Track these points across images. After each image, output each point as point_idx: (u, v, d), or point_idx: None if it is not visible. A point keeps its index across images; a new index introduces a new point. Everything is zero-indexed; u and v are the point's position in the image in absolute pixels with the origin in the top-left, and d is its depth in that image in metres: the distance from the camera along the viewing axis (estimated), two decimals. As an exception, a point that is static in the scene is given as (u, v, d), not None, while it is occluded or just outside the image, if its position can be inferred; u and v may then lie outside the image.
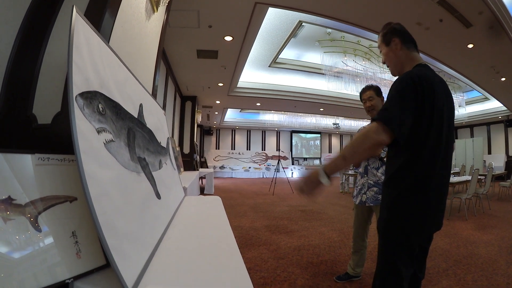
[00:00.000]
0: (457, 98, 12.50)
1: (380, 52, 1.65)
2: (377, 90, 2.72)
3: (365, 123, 18.82)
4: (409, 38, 1.58)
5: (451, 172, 9.58)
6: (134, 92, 1.60)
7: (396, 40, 1.55)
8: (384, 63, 1.65)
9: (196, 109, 11.37)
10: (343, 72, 9.52)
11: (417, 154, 1.34)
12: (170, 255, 1.19)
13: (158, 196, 1.58)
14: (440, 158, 1.38)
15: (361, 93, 2.80)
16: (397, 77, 1.47)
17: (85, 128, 0.88)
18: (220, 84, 9.81)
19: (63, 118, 1.35)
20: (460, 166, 12.30)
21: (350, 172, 10.14)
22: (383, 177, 2.53)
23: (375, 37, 7.15)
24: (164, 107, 6.97)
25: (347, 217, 6.01)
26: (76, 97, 0.85)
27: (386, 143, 1.28)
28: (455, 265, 3.28)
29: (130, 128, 1.36)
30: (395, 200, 1.41)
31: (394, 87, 1.36)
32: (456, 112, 13.81)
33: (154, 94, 2.72)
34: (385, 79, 10.48)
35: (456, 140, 16.41)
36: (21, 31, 1.45)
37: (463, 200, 5.96)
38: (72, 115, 0.81)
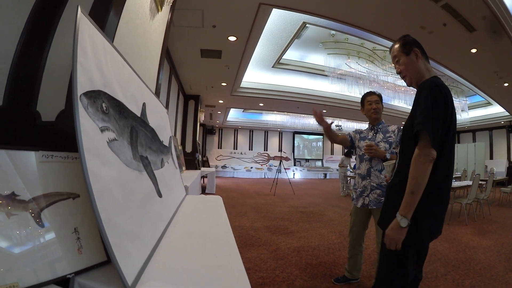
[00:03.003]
0: (460, 102, 12.47)
1: (397, 61, 1.66)
2: (380, 96, 2.77)
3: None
4: (424, 51, 1.62)
5: (453, 177, 9.60)
6: (138, 91, 1.62)
7: (416, 51, 1.58)
8: (399, 73, 1.67)
9: (199, 108, 11.38)
10: (346, 74, 9.51)
11: (436, 160, 1.37)
12: (170, 252, 1.21)
13: (160, 194, 1.60)
14: (453, 165, 1.48)
15: (366, 95, 2.82)
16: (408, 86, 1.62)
17: (89, 127, 0.90)
18: (224, 84, 9.83)
19: (67, 115, 1.37)
20: (462, 170, 12.26)
21: (351, 174, 10.13)
22: None
23: (379, 40, 7.27)
24: (167, 106, 6.98)
25: (347, 219, 5.97)
26: (80, 96, 0.87)
27: (435, 154, 1.34)
28: (454, 270, 3.28)
29: (133, 127, 1.38)
30: None
31: (428, 95, 1.39)
32: (458, 117, 13.78)
33: (157, 93, 2.74)
34: (388, 81, 10.46)
35: (458, 145, 16.33)
36: (25, 29, 1.47)
37: (463, 205, 5.94)
38: (76, 114, 0.83)
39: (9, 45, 1.42)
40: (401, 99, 11.53)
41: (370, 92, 2.84)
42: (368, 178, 2.71)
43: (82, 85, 0.90)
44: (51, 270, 0.85)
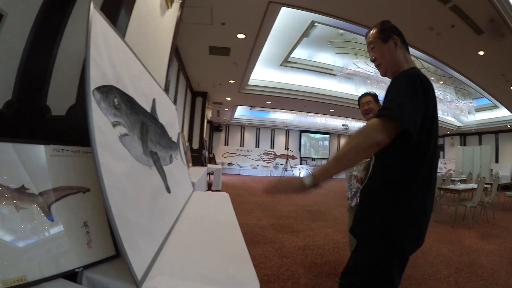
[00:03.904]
0: (466, 104, 12.37)
1: (372, 48, 1.50)
2: (375, 96, 2.77)
3: None
4: (405, 40, 1.48)
5: (458, 179, 9.40)
6: (148, 87, 1.62)
7: (396, 38, 1.43)
8: (373, 60, 1.50)
9: (206, 105, 11.40)
10: (354, 73, 9.46)
11: (419, 158, 1.23)
12: (179, 248, 1.22)
13: (168, 190, 1.61)
14: (435, 170, 1.30)
15: (360, 97, 2.83)
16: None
17: (101, 122, 0.91)
18: (231, 81, 9.82)
19: (78, 110, 1.38)
20: (467, 173, 12.14)
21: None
22: None
23: None
24: (175, 102, 6.95)
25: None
26: (93, 91, 0.88)
27: (385, 143, 1.12)
28: (457, 273, 3.26)
29: (143, 123, 1.39)
30: (394, 206, 1.26)
31: (404, 82, 1.22)
32: (465, 119, 13.66)
33: (166, 90, 2.75)
34: None
35: (464, 147, 16.15)
36: (35, 25, 1.48)
37: (468, 208, 5.89)
38: (89, 108, 0.83)
39: (19, 41, 1.43)
40: None
41: (364, 93, 2.83)
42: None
43: (95, 80, 0.90)
44: (59, 264, 0.86)
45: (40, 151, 0.92)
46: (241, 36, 6.24)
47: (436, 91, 7.66)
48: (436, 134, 1.30)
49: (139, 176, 1.16)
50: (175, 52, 6.92)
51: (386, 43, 1.44)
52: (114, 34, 1.16)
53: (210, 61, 7.80)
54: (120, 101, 1.11)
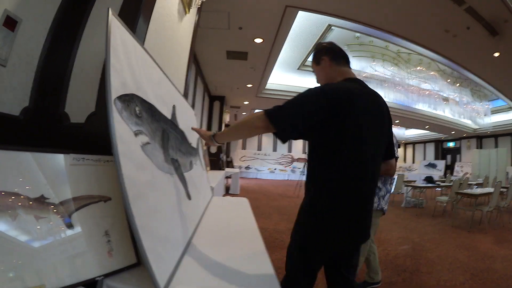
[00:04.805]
0: (482, 106, 12.16)
1: (313, 72, 1.64)
2: None
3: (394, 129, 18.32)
4: (340, 55, 1.55)
5: (475, 183, 9.12)
6: (168, 93, 1.62)
7: (325, 58, 1.54)
8: (318, 82, 1.61)
9: (224, 109, 11.45)
10: (371, 77, 9.36)
11: (328, 163, 1.28)
12: (199, 256, 1.21)
13: (189, 196, 1.60)
14: (356, 173, 1.28)
15: None
16: None
17: (123, 131, 0.90)
18: (249, 85, 9.85)
19: (98, 118, 1.36)
20: (484, 176, 11.76)
21: None
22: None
23: (403, 43, 7.21)
24: (193, 107, 7.00)
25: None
26: (114, 100, 0.87)
27: (263, 130, 1.27)
28: (472, 279, 3.17)
29: (164, 130, 1.38)
30: (306, 204, 1.35)
31: (303, 92, 1.30)
32: (480, 121, 13.32)
33: (185, 95, 2.76)
34: (413, 85, 10.25)
35: (480, 150, 15.86)
36: (52, 28, 1.47)
37: (484, 213, 5.72)
38: (110, 118, 0.83)
39: (35, 46, 1.43)
40: (425, 102, 11.28)
41: None
42: None
43: (116, 89, 0.90)
44: (79, 273, 0.85)
45: (59, 160, 0.92)
46: (258, 40, 6.25)
47: (452, 93, 7.57)
48: (358, 145, 1.27)
49: (161, 184, 1.15)
50: (193, 56, 6.99)
51: (319, 65, 1.57)
52: (133, 41, 1.15)
53: (227, 65, 7.85)
54: (142, 109, 1.10)
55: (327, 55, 1.54)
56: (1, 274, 0.70)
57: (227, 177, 9.16)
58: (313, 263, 1.38)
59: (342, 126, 1.24)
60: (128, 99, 0.98)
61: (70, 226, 0.86)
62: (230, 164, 14.62)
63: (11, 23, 1.26)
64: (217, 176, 5.50)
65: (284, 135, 1.24)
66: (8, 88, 1.29)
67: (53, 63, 1.46)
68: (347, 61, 1.56)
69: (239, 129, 1.41)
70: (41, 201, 0.82)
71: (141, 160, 0.99)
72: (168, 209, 1.16)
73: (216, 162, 9.69)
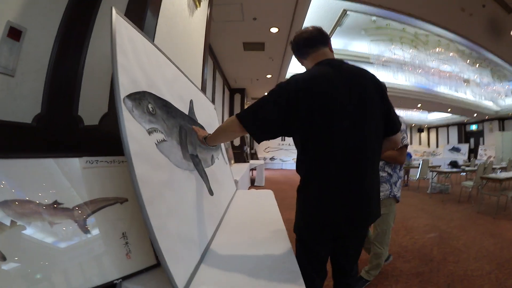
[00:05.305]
0: (503, 87, 11.67)
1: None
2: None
3: (413, 112, 17.84)
4: (304, 44, 1.46)
5: (499, 167, 8.73)
6: (184, 88, 1.59)
7: (297, 58, 1.54)
8: None
9: (245, 102, 11.42)
10: (391, 61, 9.11)
11: (306, 152, 1.25)
12: (222, 254, 1.18)
13: (211, 192, 1.58)
14: (337, 159, 1.20)
15: None
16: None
17: (135, 130, 0.87)
18: (269, 76, 9.74)
19: (111, 119, 1.34)
20: (507, 160, 11.23)
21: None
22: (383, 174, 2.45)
23: (420, 24, 7.03)
24: (213, 101, 7.02)
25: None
26: (124, 99, 0.84)
27: (240, 132, 1.28)
28: (497, 269, 3.03)
29: (181, 126, 1.35)
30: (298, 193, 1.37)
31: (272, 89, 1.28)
32: (502, 102, 12.73)
33: (203, 89, 2.73)
34: (433, 67, 9.92)
35: (502, 133, 15.27)
36: (59, 34, 1.46)
37: (509, 198, 5.47)
38: (120, 117, 0.80)
39: (43, 54, 1.42)
40: (446, 85, 10.91)
41: None
42: None
43: (125, 87, 0.87)
44: (96, 276, 0.84)
45: (72, 164, 0.90)
46: (274, 30, 6.13)
47: (472, 74, 7.40)
48: (326, 125, 1.20)
49: (180, 182, 1.12)
50: (209, 50, 6.97)
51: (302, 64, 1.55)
52: (142, 38, 1.12)
53: (245, 57, 7.77)
54: (155, 106, 1.07)
55: (295, 54, 1.53)
56: (17, 281, 0.69)
57: (252, 169, 9.17)
58: (313, 253, 1.34)
59: (309, 115, 1.18)
60: (139, 97, 0.96)
61: (85, 230, 0.85)
62: (254, 156, 14.63)
63: (15, 33, 1.26)
64: (242, 169, 5.50)
65: (257, 138, 1.25)
66: (18, 97, 1.29)
67: (63, 68, 1.45)
68: (313, 44, 1.45)
69: (221, 133, 1.40)
70: (54, 207, 0.80)
71: (156, 158, 0.97)
72: (187, 208, 1.13)
73: (240, 154, 9.72)
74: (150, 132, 0.97)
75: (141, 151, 0.87)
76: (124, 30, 0.96)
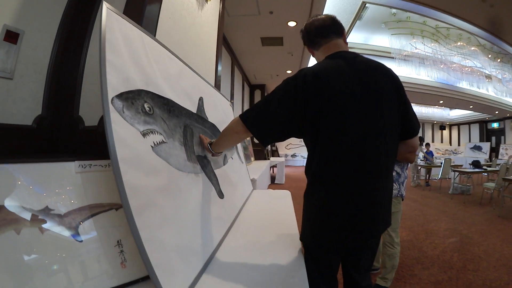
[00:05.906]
0: None
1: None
2: None
3: (435, 109, 17.29)
4: (316, 33, 1.32)
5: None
6: (191, 85, 1.52)
7: (307, 48, 1.41)
8: None
9: (265, 98, 11.33)
10: (412, 55, 8.87)
11: (315, 154, 1.13)
12: (227, 263, 1.10)
13: (221, 195, 1.50)
14: (346, 163, 1.08)
15: None
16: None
17: (126, 133, 0.80)
18: (289, 71, 9.61)
19: None
20: None
21: (421, 162, 9.31)
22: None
23: (441, 16, 6.79)
24: (232, 97, 7.06)
25: (418, 213, 5.44)
26: (112, 99, 0.77)
27: (245, 134, 1.22)
28: None
29: (186, 125, 1.28)
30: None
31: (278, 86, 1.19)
32: None
33: (217, 86, 2.65)
34: (455, 62, 9.55)
35: None
36: (58, 35, 1.44)
37: None
38: (107, 120, 0.74)
39: (42, 55, 1.40)
40: (468, 80, 10.60)
41: None
42: None
43: (114, 87, 0.80)
44: (89, 286, 0.79)
45: (64, 169, 0.85)
46: (292, 23, 6.01)
47: (494, 70, 7.18)
48: (336, 126, 1.08)
49: (181, 186, 1.05)
50: (227, 46, 6.90)
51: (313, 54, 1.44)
52: (140, 33, 1.05)
53: (263, 52, 7.68)
54: (153, 105, 1.00)
55: (305, 44, 1.41)
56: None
57: (272, 167, 9.07)
58: (321, 263, 1.22)
59: (319, 115, 1.07)
60: (133, 96, 0.88)
61: (77, 237, 0.80)
62: (275, 153, 14.52)
63: (12, 36, 1.24)
64: (262, 167, 5.40)
65: (262, 141, 1.19)
66: (18, 99, 1.27)
67: (63, 69, 1.43)
68: (325, 33, 1.31)
69: (225, 137, 1.33)
70: (45, 213, 0.76)
71: (152, 163, 0.89)
72: (189, 214, 1.05)
73: (261, 151, 9.64)
74: (145, 134, 0.90)
75: (132, 156, 0.79)
76: (116, 25, 0.89)
